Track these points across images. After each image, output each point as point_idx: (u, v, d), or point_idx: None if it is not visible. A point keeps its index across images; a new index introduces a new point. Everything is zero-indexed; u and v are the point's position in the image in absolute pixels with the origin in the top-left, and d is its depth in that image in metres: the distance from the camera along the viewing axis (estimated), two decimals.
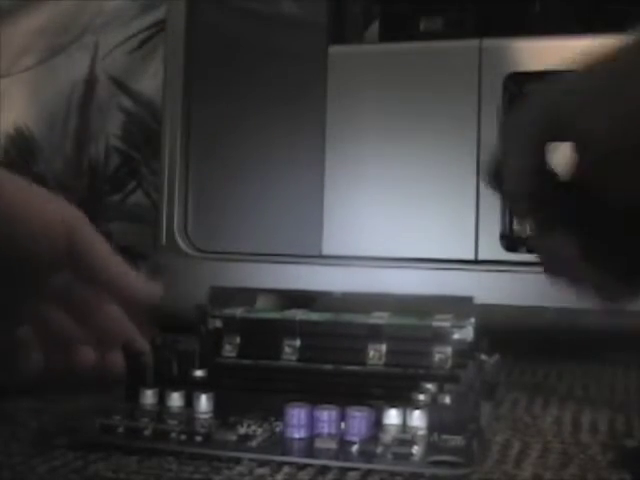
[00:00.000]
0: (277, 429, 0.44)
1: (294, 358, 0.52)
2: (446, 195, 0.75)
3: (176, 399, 0.47)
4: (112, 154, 1.38)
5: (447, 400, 0.44)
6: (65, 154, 1.39)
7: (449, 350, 0.49)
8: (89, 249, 0.46)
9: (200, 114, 0.83)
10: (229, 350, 0.53)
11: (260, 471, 0.40)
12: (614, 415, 0.53)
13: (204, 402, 0.46)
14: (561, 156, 0.41)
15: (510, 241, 0.75)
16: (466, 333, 0.49)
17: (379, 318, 0.52)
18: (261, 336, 0.53)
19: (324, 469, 0.40)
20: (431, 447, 0.41)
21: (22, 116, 1.40)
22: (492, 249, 0.74)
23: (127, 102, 1.44)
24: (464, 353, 0.49)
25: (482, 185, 0.46)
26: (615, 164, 0.39)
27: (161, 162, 0.83)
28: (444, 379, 0.47)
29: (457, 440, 0.42)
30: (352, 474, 0.40)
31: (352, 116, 0.78)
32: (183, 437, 0.42)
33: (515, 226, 0.76)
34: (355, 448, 0.41)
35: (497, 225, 0.74)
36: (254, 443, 0.42)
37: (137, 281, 0.48)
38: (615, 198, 0.40)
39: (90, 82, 1.45)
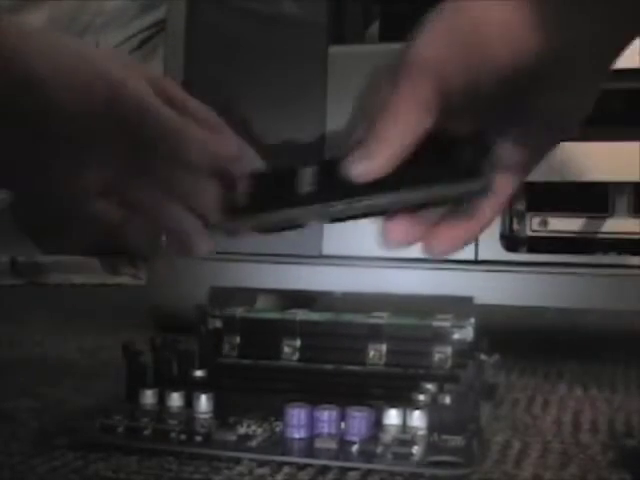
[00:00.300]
0: (277, 429, 0.44)
1: (294, 358, 0.52)
2: None
3: (176, 399, 0.47)
4: None
5: (447, 400, 0.44)
6: None
7: (449, 350, 0.49)
8: (138, 101, 0.42)
9: None
10: (229, 350, 0.53)
11: (260, 471, 0.40)
12: (614, 415, 0.53)
13: (204, 402, 0.46)
14: None
15: (510, 241, 0.75)
16: (466, 333, 0.49)
17: (379, 318, 0.52)
18: (261, 336, 0.53)
19: (324, 469, 0.40)
20: (431, 447, 0.41)
21: None
22: (492, 249, 0.74)
23: None
24: (464, 353, 0.49)
25: None
26: None
27: None
28: (444, 379, 0.47)
29: (457, 440, 0.42)
30: (352, 474, 0.40)
31: None
32: (183, 437, 0.42)
33: (515, 226, 0.76)
34: (355, 448, 0.41)
35: (497, 225, 0.74)
36: (254, 443, 0.42)
37: (203, 139, 0.43)
38: None
39: None
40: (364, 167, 0.39)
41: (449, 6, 0.40)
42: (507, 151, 0.43)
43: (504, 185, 0.43)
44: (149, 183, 0.44)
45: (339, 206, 0.40)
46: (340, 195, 0.40)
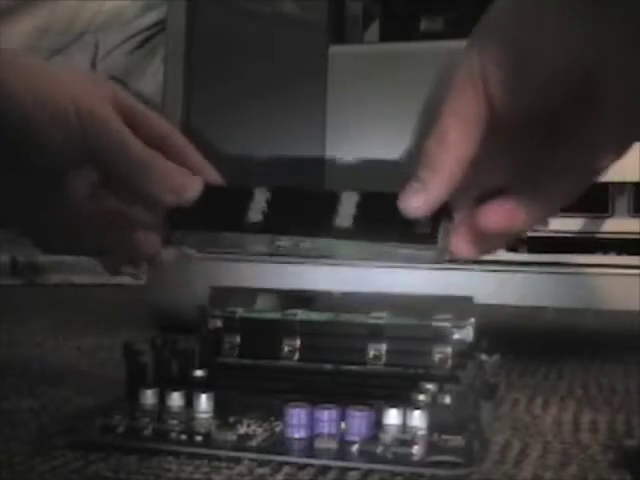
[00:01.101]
0: (277, 429, 0.44)
1: (294, 358, 0.52)
2: None
3: (176, 399, 0.47)
4: None
5: (447, 400, 0.44)
6: None
7: (449, 350, 0.49)
8: (102, 131, 0.43)
9: (200, 114, 0.83)
10: (229, 350, 0.53)
11: (260, 471, 0.40)
12: (614, 415, 0.53)
13: (204, 402, 0.46)
14: None
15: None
16: (466, 333, 0.49)
17: (379, 318, 0.51)
18: (261, 336, 0.53)
19: (324, 469, 0.40)
20: (431, 447, 0.41)
21: None
22: None
23: None
24: (464, 353, 0.49)
25: None
26: None
27: None
28: (444, 379, 0.47)
29: (457, 440, 0.42)
30: (352, 474, 0.40)
31: (352, 116, 0.78)
32: (183, 437, 0.42)
33: None
34: (355, 448, 0.41)
35: None
36: (254, 443, 0.42)
37: (166, 175, 0.44)
38: None
39: None
40: (421, 200, 0.40)
41: (502, 20, 0.40)
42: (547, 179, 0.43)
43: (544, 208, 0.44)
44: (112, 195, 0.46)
45: (286, 242, 0.42)
46: (289, 231, 0.42)
